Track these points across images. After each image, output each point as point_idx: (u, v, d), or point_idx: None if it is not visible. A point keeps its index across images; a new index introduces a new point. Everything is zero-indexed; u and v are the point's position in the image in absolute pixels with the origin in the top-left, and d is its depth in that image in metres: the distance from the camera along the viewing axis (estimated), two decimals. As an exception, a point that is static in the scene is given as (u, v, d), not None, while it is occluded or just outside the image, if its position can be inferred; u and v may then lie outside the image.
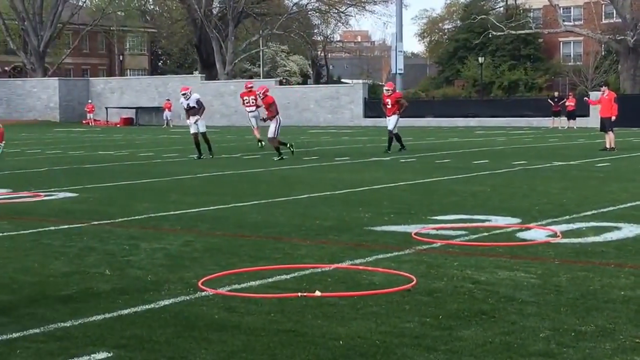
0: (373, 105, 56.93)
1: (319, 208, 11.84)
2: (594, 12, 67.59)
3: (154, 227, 10.14)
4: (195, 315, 5.91)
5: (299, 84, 74.98)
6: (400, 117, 24.41)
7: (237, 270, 7.39)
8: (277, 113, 21.61)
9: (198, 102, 22.10)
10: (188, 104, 22.19)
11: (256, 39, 71.64)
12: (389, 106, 24.15)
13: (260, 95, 22.16)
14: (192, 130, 22.28)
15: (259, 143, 25.95)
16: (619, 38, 57.91)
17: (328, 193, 13.81)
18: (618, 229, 9.54)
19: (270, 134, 21.41)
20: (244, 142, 31.80)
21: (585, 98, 34.70)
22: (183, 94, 22.26)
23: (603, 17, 71.67)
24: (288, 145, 22.05)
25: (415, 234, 9.23)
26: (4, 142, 20.52)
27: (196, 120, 22.03)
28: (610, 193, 13.30)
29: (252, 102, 27.20)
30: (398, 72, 62.11)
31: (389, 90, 24.67)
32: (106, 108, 60.01)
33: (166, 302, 6.32)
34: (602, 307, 6.04)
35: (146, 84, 62.71)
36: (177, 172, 18.25)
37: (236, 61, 69.55)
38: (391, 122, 24.02)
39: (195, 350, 5.10)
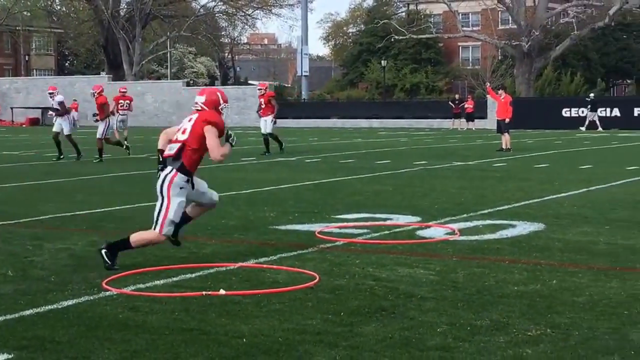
0: (279, 107, 57.23)
1: (225, 207, 11.84)
2: (491, 18, 69.30)
3: (59, 228, 10.03)
4: (98, 315, 5.89)
5: (206, 85, 74.60)
6: (277, 118, 23.96)
7: (142, 269, 7.39)
8: (108, 115, 21.50)
9: (61, 104, 21.70)
10: (52, 105, 22.02)
11: (164, 40, 71.14)
12: (263, 106, 23.94)
13: (95, 94, 21.67)
14: (55, 129, 21.85)
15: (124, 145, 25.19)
16: (514, 43, 59.51)
17: (234, 193, 13.85)
18: (513, 226, 9.84)
19: (99, 134, 21.27)
20: (152, 143, 31.48)
21: (487, 83, 35.66)
22: (50, 93, 22.04)
23: (499, 23, 73.53)
24: (124, 147, 21.71)
25: (319, 232, 9.36)
26: None
27: (58, 120, 21.65)
28: (506, 192, 13.69)
29: (127, 106, 28.63)
30: (304, 74, 62.60)
31: (261, 90, 24.46)
32: (11, 108, 58.79)
33: (69, 302, 6.28)
34: (497, 302, 6.23)
35: (53, 84, 61.50)
36: (84, 172, 18.01)
37: (143, 62, 68.98)
38: (266, 123, 23.70)
39: (98, 350, 5.09)
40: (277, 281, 6.99)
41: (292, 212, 11.19)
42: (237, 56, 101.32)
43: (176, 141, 7.64)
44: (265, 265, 7.60)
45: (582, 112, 45.59)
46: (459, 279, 7.01)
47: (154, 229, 7.55)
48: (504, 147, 25.04)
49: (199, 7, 76.01)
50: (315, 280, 6.89)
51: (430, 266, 7.54)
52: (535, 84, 58.30)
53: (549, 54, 60.21)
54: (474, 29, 72.60)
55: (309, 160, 21.47)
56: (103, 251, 7.50)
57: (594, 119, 43.90)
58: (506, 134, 25.14)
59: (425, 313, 5.91)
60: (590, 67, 69.73)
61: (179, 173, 7.51)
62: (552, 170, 18.04)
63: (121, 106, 28.58)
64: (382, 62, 67.80)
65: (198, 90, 8.22)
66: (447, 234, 9.37)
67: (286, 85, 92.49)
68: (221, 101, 7.89)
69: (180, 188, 7.52)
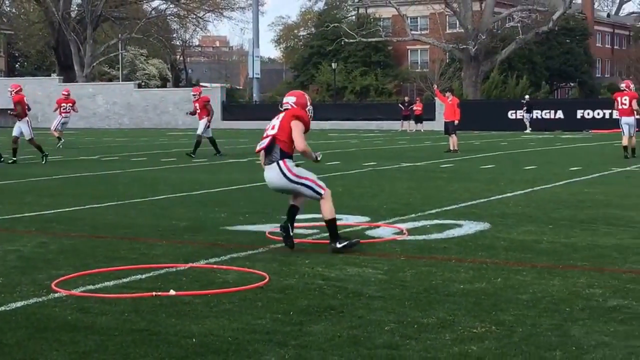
0: (231, 109, 57.52)
1: (176, 209, 11.89)
2: (439, 22, 70.00)
3: (7, 229, 9.95)
4: (47, 317, 5.87)
5: (158, 87, 74.30)
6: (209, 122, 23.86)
7: (92, 271, 7.38)
8: (26, 114, 21.24)
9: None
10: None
11: (115, 42, 70.72)
12: (198, 110, 24.06)
13: (12, 93, 21.35)
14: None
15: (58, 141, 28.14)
16: (461, 47, 60.23)
17: (185, 194, 13.86)
18: (459, 226, 10.00)
19: (27, 136, 20.99)
20: (103, 144, 31.31)
21: (435, 86, 36.12)
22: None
23: (447, 27, 74.30)
24: (44, 154, 21.42)
25: (270, 232, 9.42)
26: None
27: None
28: (453, 192, 13.88)
29: (69, 109, 29.75)
30: (255, 76, 62.66)
31: (195, 95, 24.74)
32: (-40, 110, 57.83)
33: (18, 304, 6.25)
34: (443, 300, 6.33)
35: (2, 85, 60.68)
36: (34, 173, 17.85)
37: (95, 64, 68.48)
38: (200, 126, 23.75)
39: (47, 352, 5.07)
40: (227, 281, 7.03)
41: (242, 213, 11.24)
42: (188, 58, 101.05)
43: (266, 137, 8.42)
44: (215, 266, 7.64)
45: (521, 114, 46.44)
46: (406, 278, 7.10)
47: (319, 198, 8.36)
48: (451, 148, 25.36)
49: (150, 9, 75.79)
50: (265, 280, 6.94)
51: (378, 265, 7.63)
52: (482, 87, 59.02)
53: (495, 58, 61.02)
54: (423, 32, 73.27)
55: (259, 162, 21.46)
56: (339, 246, 8.16)
57: (527, 120, 45.01)
58: (454, 135, 25.47)
59: (374, 312, 5.98)
60: (535, 71, 70.79)
61: (285, 159, 8.32)
62: (498, 171, 18.30)
63: (64, 109, 29.47)
64: (333, 64, 68.21)
65: (287, 93, 8.92)
66: (395, 233, 9.49)
67: (238, 87, 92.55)
68: (308, 103, 8.64)
69: (297, 166, 8.37)
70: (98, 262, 7.84)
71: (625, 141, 21.87)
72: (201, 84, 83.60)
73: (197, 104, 24.12)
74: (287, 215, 8.60)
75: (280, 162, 8.34)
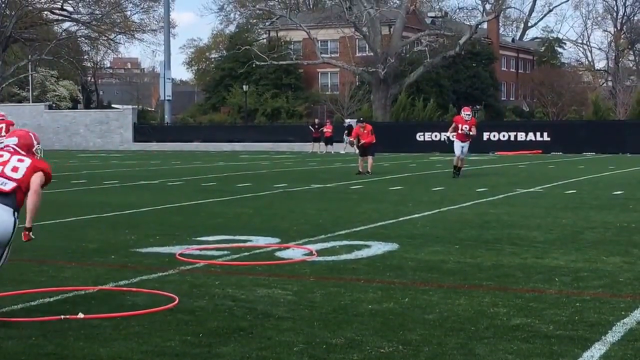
0: (142, 130, 57.18)
1: (86, 231, 11.76)
2: (349, 45, 70.88)
3: None
4: (-48, 342, 5.76)
5: (69, 108, 73.12)
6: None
7: (-3, 295, 7.26)
8: None
9: None
10: None
11: (25, 63, 69.57)
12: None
13: None
14: None
15: None
16: (371, 70, 61.05)
17: (95, 216, 13.71)
18: (368, 246, 10.13)
19: None
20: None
21: (349, 139, 36.69)
22: None
23: (357, 50, 75.22)
24: None
25: (180, 254, 9.41)
26: None
27: None
28: (363, 213, 14.06)
29: None
30: (166, 98, 62.47)
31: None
32: None
33: None
34: (352, 320, 6.41)
35: None
36: None
37: (4, 85, 67.14)
38: None
39: (-48, 378, 5.02)
40: (137, 304, 7.00)
41: (153, 235, 11.18)
42: (100, 80, 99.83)
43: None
44: (125, 288, 7.61)
45: (433, 136, 47.51)
46: (316, 299, 7.18)
47: None
48: (361, 170, 25.67)
49: (61, 30, 74.82)
50: (175, 302, 6.94)
51: (288, 286, 7.70)
52: (391, 109, 59.81)
53: (404, 81, 61.99)
54: (333, 55, 74.01)
55: (171, 184, 21.38)
56: None
57: (346, 142, 46.71)
58: (370, 157, 25.86)
59: (283, 332, 6.03)
60: (443, 93, 72.12)
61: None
62: (407, 192, 18.58)
63: None
64: (244, 87, 68.39)
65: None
66: (305, 254, 9.58)
67: (149, 109, 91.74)
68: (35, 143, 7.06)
69: None
70: (5, 285, 7.68)
71: (456, 162, 24.05)
72: (113, 105, 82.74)
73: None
74: None
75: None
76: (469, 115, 24.33)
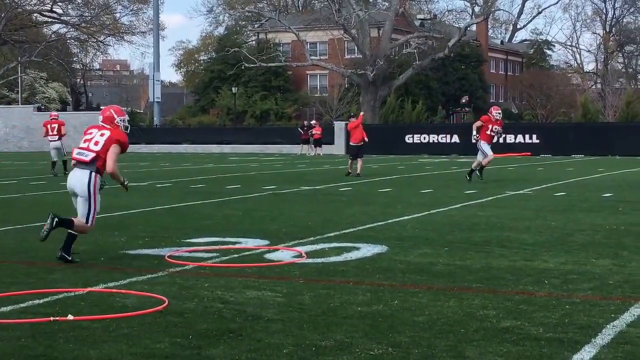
0: (131, 132, 56.90)
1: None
2: (338, 48, 71.03)
3: None
4: (-60, 344, 5.74)
5: (58, 110, 73.05)
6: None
7: (-14, 297, 7.24)
8: None
9: None
10: None
11: (14, 65, 69.41)
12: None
13: None
14: None
15: None
16: (360, 72, 61.18)
17: (83, 218, 13.66)
18: (357, 249, 10.13)
19: None
20: (1, 168, 30.57)
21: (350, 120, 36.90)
22: None
23: (346, 52, 75.40)
24: None
25: (169, 256, 9.40)
26: None
27: None
28: (351, 215, 14.06)
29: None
30: (156, 100, 62.46)
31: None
32: None
33: None
34: (341, 322, 6.40)
35: None
36: None
37: (-7, 87, 67.10)
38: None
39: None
40: (126, 305, 6.99)
41: (142, 237, 11.17)
42: (89, 82, 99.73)
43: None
44: (114, 290, 7.59)
45: (422, 138, 47.67)
46: (305, 301, 7.17)
47: (84, 222, 9.36)
48: (350, 171, 25.67)
49: (50, 32, 74.73)
50: (164, 304, 6.93)
51: (277, 288, 7.69)
52: (380, 112, 59.92)
53: (393, 83, 62.13)
54: (322, 58, 74.14)
55: (160, 185, 21.35)
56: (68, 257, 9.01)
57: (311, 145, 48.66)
58: (359, 160, 25.77)
59: (272, 335, 6.02)
60: (432, 95, 72.32)
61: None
62: (396, 194, 18.60)
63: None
64: (233, 89, 68.46)
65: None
66: (294, 256, 9.56)
67: (139, 111, 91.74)
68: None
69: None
70: (-7, 287, 7.69)
71: (487, 163, 22.35)
72: (102, 107, 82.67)
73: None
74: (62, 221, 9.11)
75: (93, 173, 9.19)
76: (500, 114, 22.46)
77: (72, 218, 9.21)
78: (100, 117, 9.44)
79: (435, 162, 37.71)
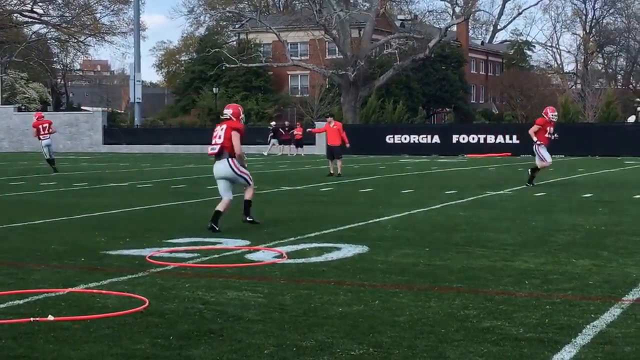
0: (112, 133, 57.01)
1: (56, 233, 11.68)
2: (319, 48, 71.10)
3: None
4: None
5: (38, 110, 72.71)
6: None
7: (-35, 298, 7.20)
8: None
9: None
10: None
11: (-6, 65, 69.13)
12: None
13: None
14: None
15: None
16: (341, 73, 61.22)
17: (65, 218, 13.62)
18: (338, 249, 10.14)
19: None
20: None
21: (309, 129, 36.87)
22: None
23: (327, 53, 75.49)
24: None
25: (150, 257, 9.38)
26: None
27: None
28: (332, 215, 14.09)
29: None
30: (136, 100, 62.26)
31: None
32: None
33: None
34: (322, 322, 6.40)
35: None
36: None
37: (-26, 88, 66.73)
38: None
39: None
40: (107, 306, 6.97)
41: (123, 237, 11.13)
42: (69, 82, 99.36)
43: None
44: (95, 290, 7.57)
45: (402, 138, 47.87)
46: (286, 301, 7.17)
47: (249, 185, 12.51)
48: (331, 172, 25.68)
49: (31, 33, 74.41)
50: (145, 305, 6.92)
51: (258, 289, 7.69)
52: (361, 112, 59.97)
53: (374, 83, 62.21)
54: (303, 58, 74.17)
55: (140, 186, 21.28)
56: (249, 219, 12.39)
57: (273, 145, 49.22)
58: (338, 160, 25.79)
59: (253, 335, 6.02)
60: (412, 96, 72.48)
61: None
62: (376, 195, 18.63)
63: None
64: (214, 89, 68.35)
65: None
66: (275, 257, 9.56)
67: (119, 111, 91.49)
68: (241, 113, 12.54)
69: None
70: (-28, 288, 7.65)
71: (544, 166, 21.24)
72: (82, 107, 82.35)
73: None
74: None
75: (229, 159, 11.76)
76: (556, 116, 21.29)
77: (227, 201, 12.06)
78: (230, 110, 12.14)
79: (415, 162, 37.78)
